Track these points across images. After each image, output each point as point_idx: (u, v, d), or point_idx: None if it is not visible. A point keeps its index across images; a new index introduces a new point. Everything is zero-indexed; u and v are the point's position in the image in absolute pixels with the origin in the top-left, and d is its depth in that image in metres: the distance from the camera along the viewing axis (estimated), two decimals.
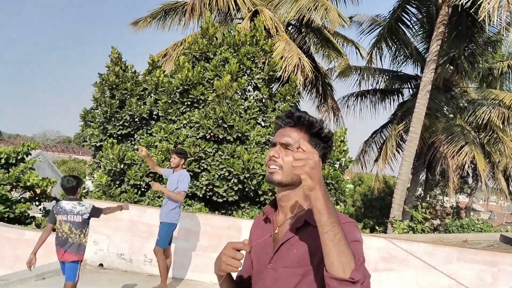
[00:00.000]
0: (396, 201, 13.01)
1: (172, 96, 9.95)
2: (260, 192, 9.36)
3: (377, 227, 16.87)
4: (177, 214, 6.18)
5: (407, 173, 13.39)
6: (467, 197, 25.70)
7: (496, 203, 49.89)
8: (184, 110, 10.06)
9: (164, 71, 10.91)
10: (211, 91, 10.14)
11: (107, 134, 10.16)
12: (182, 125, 9.91)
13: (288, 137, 1.55)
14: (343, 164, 10.21)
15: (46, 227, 4.89)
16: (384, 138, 18.22)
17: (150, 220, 7.09)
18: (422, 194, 22.11)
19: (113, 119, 10.06)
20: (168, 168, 6.92)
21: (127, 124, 10.10)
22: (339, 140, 10.26)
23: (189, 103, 9.99)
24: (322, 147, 1.59)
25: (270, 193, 9.39)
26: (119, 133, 10.09)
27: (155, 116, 10.44)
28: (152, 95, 10.52)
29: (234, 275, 1.64)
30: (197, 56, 10.78)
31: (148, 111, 10.13)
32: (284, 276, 1.48)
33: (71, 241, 4.69)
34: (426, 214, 12.54)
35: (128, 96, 10.14)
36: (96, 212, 4.84)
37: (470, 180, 23.76)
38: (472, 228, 13.14)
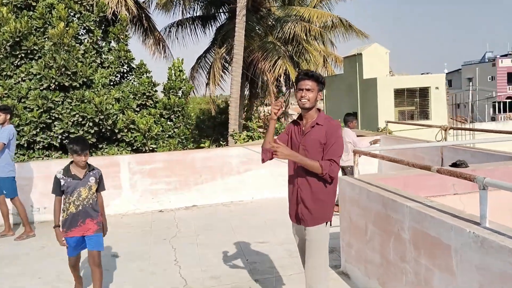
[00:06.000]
0: (232, 116, 14.72)
1: (2, 51, 9.60)
2: (116, 130, 10.02)
3: (220, 142, 18.69)
4: (12, 167, 6.74)
5: (238, 91, 15.06)
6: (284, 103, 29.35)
7: None
8: (19, 63, 9.83)
9: None
10: (44, 40, 10.03)
11: None
12: (20, 79, 9.75)
13: (308, 85, 3.20)
14: (185, 91, 11.29)
15: None
16: (210, 63, 19.65)
17: (28, 173, 7.44)
18: (246, 108, 24.51)
19: None
20: None
21: None
22: (178, 70, 11.26)
23: (23, 55, 9.79)
24: (322, 86, 3.27)
25: (126, 130, 10.10)
26: None
27: None
28: None
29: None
30: (18, 5, 10.34)
31: None
32: (310, 149, 3.22)
33: None
34: (260, 123, 14.65)
35: None
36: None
37: (284, 89, 27.08)
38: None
